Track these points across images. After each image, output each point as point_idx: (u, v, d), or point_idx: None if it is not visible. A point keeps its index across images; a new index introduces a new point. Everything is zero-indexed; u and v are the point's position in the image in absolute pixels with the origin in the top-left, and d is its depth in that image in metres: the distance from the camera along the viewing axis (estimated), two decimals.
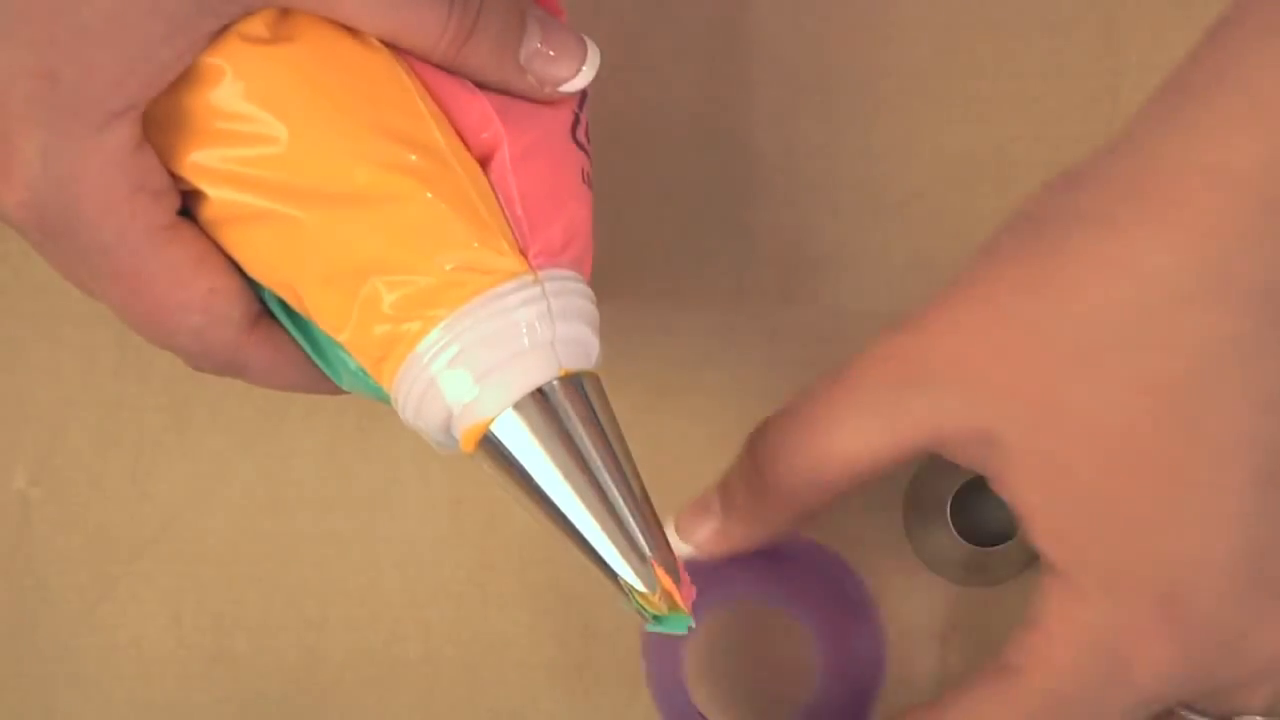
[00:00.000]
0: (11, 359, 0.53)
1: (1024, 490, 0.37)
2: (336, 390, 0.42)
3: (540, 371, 0.38)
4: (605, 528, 0.37)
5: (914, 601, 0.52)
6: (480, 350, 0.38)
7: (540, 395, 0.38)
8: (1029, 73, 0.52)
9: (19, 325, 0.53)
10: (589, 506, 0.38)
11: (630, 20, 0.52)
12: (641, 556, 0.37)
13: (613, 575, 0.38)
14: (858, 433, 0.38)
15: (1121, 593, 0.37)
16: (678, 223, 0.52)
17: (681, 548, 0.41)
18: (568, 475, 0.38)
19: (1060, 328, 0.36)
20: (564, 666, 0.52)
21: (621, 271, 0.52)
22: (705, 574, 0.46)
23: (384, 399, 0.40)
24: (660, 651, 0.50)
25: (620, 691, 0.50)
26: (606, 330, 0.52)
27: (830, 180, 0.52)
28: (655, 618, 0.38)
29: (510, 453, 0.38)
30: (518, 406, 0.38)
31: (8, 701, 0.52)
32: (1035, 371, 0.36)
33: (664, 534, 0.38)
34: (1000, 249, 0.38)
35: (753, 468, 0.41)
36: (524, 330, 0.38)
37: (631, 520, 0.38)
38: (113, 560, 0.52)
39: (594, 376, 0.39)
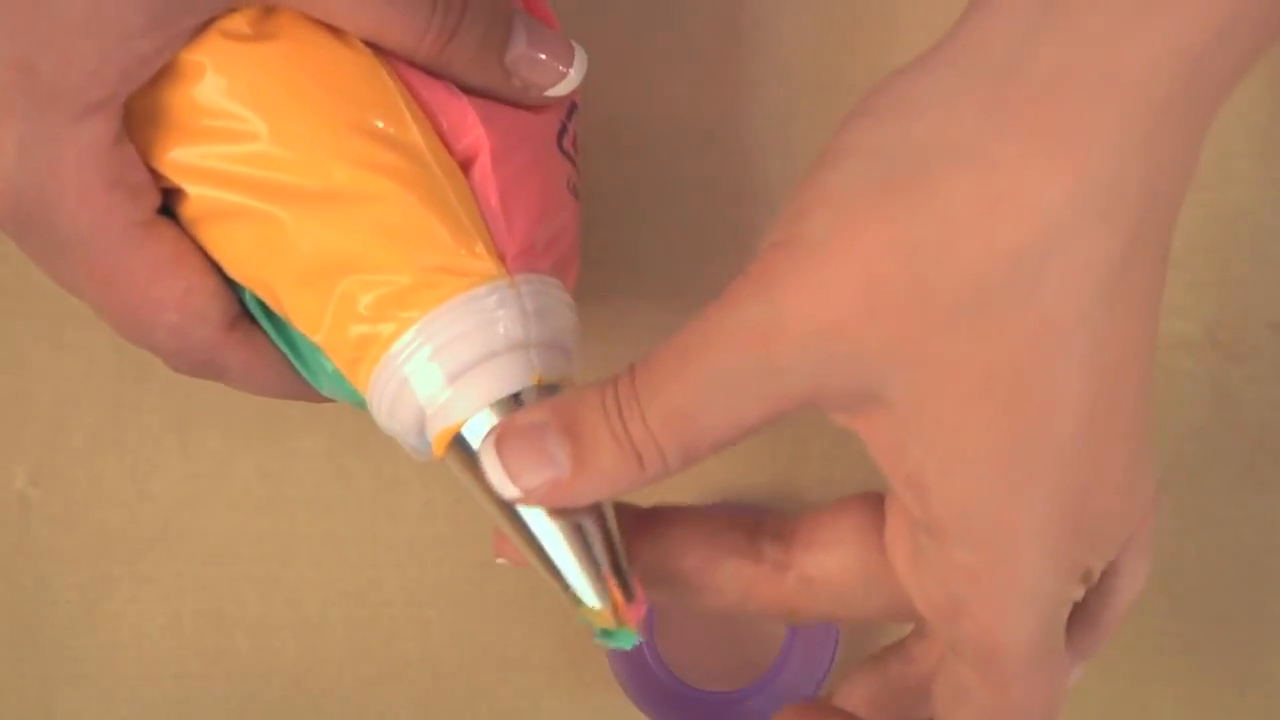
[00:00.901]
0: (11, 359, 0.53)
1: (915, 456, 0.34)
2: (316, 397, 0.42)
3: (514, 374, 0.38)
4: (563, 539, 0.37)
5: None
6: (453, 351, 0.38)
7: (515, 401, 0.38)
8: None
9: (19, 326, 0.53)
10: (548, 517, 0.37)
11: (630, 21, 0.52)
12: (596, 572, 0.37)
13: (565, 586, 0.38)
14: (729, 412, 0.35)
15: (1043, 543, 0.34)
16: (678, 223, 0.52)
17: (506, 489, 0.36)
18: None
19: (940, 278, 0.33)
20: (564, 666, 0.52)
21: (621, 271, 0.52)
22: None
23: (361, 404, 0.40)
24: None
25: (620, 691, 0.50)
26: (606, 330, 0.52)
27: None
28: (604, 632, 0.38)
29: (476, 456, 0.37)
30: (492, 409, 0.38)
31: (8, 701, 0.52)
32: (916, 327, 0.33)
33: (622, 550, 0.38)
34: (849, 197, 0.34)
35: (617, 433, 0.36)
36: (498, 332, 0.38)
37: (591, 534, 0.37)
38: (113, 560, 0.52)
39: (572, 384, 0.39)
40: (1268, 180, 0.53)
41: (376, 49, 0.38)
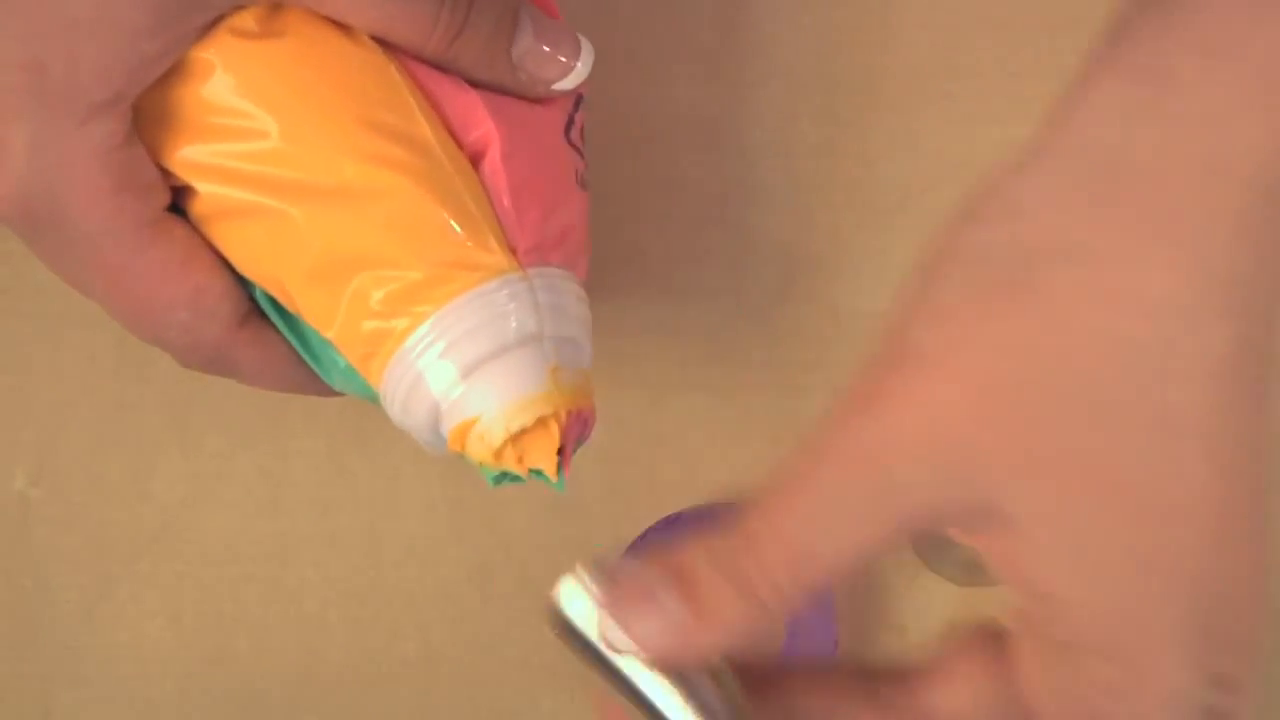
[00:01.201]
0: (12, 359, 0.53)
1: (1045, 568, 0.33)
2: (328, 391, 0.42)
3: (528, 367, 0.38)
4: (682, 697, 0.35)
5: (914, 603, 0.52)
6: (466, 346, 0.38)
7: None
8: (1029, 73, 0.52)
9: (20, 325, 0.53)
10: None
11: (630, 20, 0.52)
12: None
13: None
14: (848, 540, 0.33)
15: (1189, 650, 0.32)
16: (678, 223, 0.52)
17: (620, 643, 0.35)
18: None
19: (1053, 379, 0.32)
20: (563, 666, 0.52)
21: (621, 271, 0.52)
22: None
23: (374, 399, 0.40)
24: None
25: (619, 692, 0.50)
26: (606, 330, 0.52)
27: (830, 180, 0.52)
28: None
29: (573, 626, 0.36)
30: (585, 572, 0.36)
31: (8, 701, 0.52)
32: (1033, 433, 0.32)
33: (742, 701, 0.36)
34: (956, 305, 0.33)
35: (734, 578, 0.35)
36: (511, 326, 0.38)
37: (706, 688, 0.36)
38: (113, 560, 0.52)
39: (586, 376, 0.39)
40: None
41: (384, 45, 0.38)
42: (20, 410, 0.53)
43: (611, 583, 0.35)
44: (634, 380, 0.52)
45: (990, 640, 0.36)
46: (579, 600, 0.36)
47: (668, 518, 0.51)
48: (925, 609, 0.52)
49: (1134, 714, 0.33)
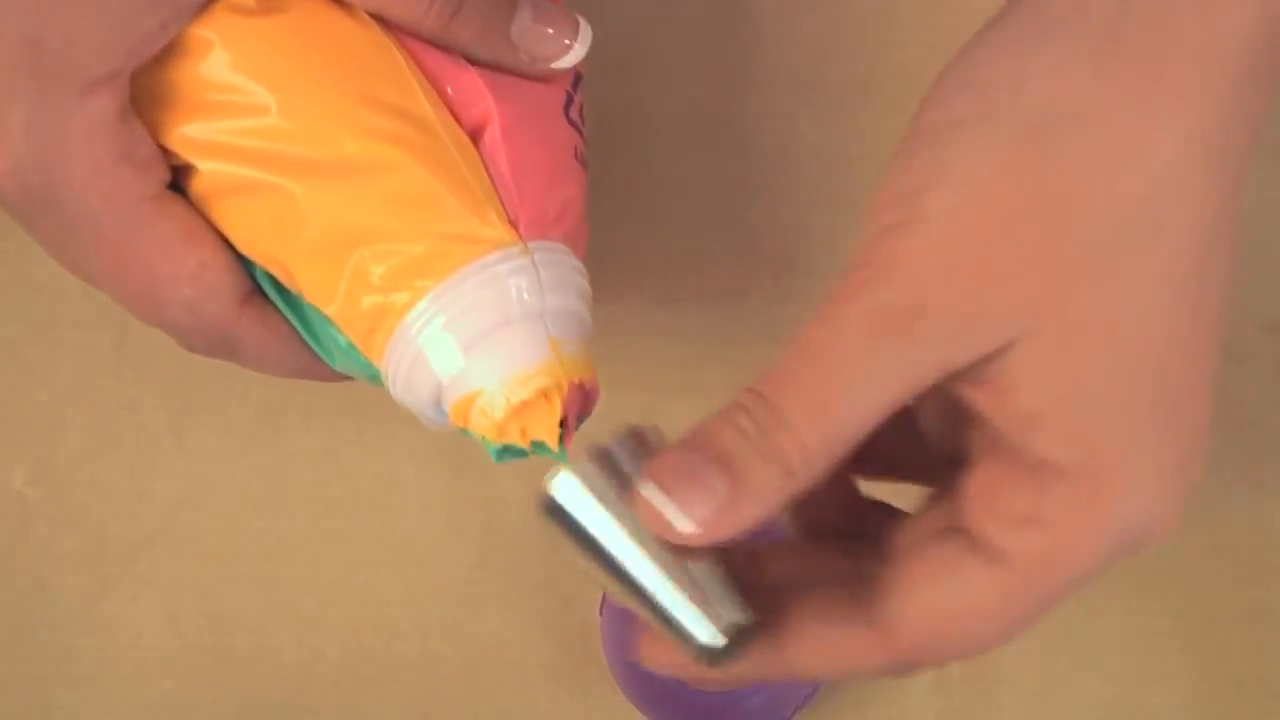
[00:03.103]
0: (10, 359, 0.53)
1: (1036, 397, 0.35)
2: (330, 375, 0.42)
3: (529, 342, 0.38)
4: (677, 580, 0.36)
5: None
6: (468, 319, 0.38)
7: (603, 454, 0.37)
8: None
9: (18, 325, 0.53)
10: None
11: (630, 20, 0.52)
12: (711, 606, 0.36)
13: (681, 629, 0.36)
14: (868, 398, 0.35)
15: (1147, 480, 0.36)
16: (678, 223, 0.52)
17: (683, 526, 0.36)
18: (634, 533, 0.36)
19: (1065, 236, 0.34)
20: (563, 666, 0.52)
21: (621, 271, 0.52)
22: None
23: (375, 378, 0.40)
24: (618, 608, 0.50)
25: (619, 691, 0.50)
26: (606, 331, 0.52)
27: (829, 180, 0.52)
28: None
29: (571, 515, 0.36)
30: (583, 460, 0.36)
31: (8, 701, 0.52)
32: (1045, 286, 0.35)
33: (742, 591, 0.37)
34: (969, 169, 0.35)
35: (763, 449, 0.36)
36: (512, 299, 0.38)
37: (702, 570, 0.36)
38: (112, 560, 0.52)
39: (587, 352, 0.39)
40: (1267, 181, 0.53)
41: (383, 22, 0.38)
42: (20, 410, 0.53)
43: (660, 467, 0.36)
44: (634, 381, 0.52)
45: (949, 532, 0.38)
46: (575, 488, 0.36)
47: None
48: None
49: (1061, 521, 0.35)
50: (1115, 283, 0.35)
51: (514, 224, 0.38)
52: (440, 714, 0.52)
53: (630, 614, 0.50)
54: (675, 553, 0.36)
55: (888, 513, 0.41)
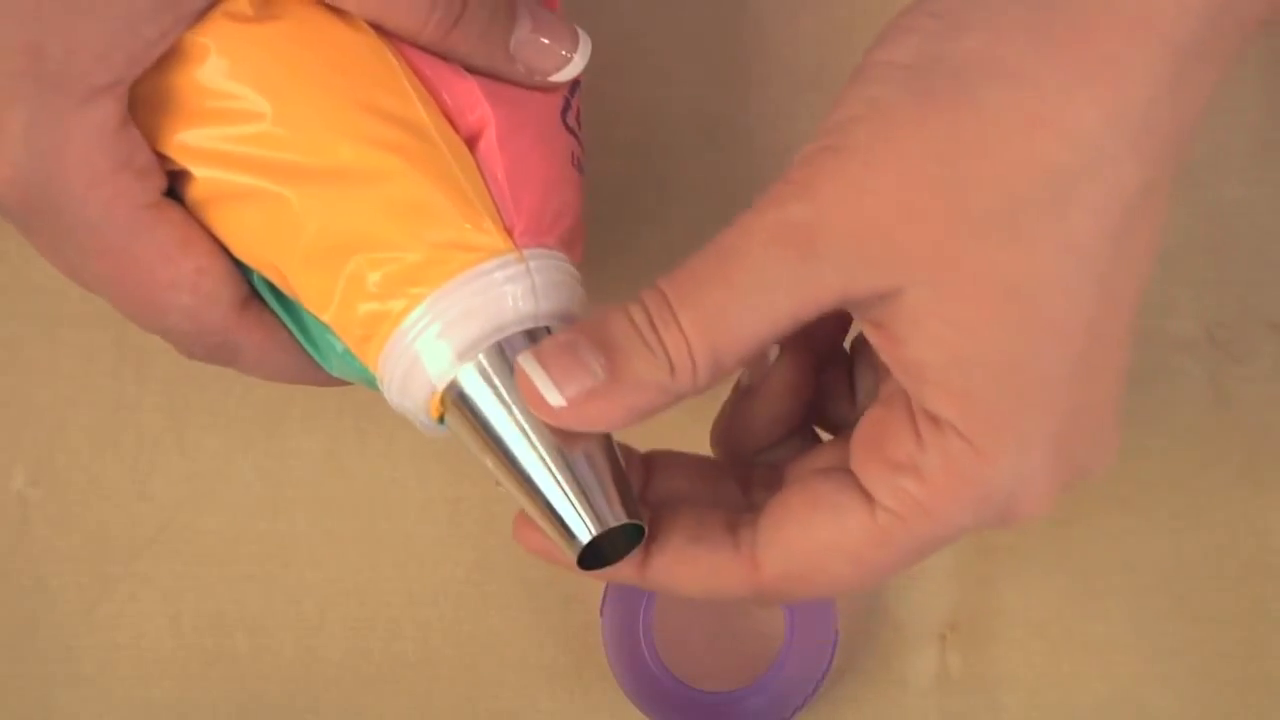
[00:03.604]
0: (11, 359, 0.53)
1: (925, 348, 0.36)
2: (327, 380, 0.42)
3: (524, 348, 0.38)
4: (567, 467, 0.37)
5: (913, 601, 0.52)
6: (463, 327, 0.38)
7: (498, 350, 0.38)
8: None
9: (18, 325, 0.53)
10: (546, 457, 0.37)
11: (630, 20, 0.52)
12: (601, 520, 0.37)
13: (562, 524, 0.37)
14: (761, 309, 0.36)
15: (1025, 448, 0.36)
16: (678, 223, 0.52)
17: (550, 395, 0.36)
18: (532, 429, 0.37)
19: (976, 188, 0.35)
20: (563, 666, 0.52)
21: (621, 272, 0.52)
22: None
23: (372, 383, 0.40)
24: (618, 608, 0.50)
25: (619, 691, 0.50)
26: None
27: None
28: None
29: (475, 404, 0.38)
30: (485, 354, 0.38)
31: (8, 701, 0.52)
32: (948, 233, 0.35)
33: (631, 495, 0.38)
34: (893, 107, 0.36)
35: (649, 340, 0.37)
36: (507, 307, 0.38)
37: (599, 464, 0.37)
38: (112, 560, 0.52)
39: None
40: (1266, 180, 0.53)
41: (380, 30, 0.39)
42: (20, 410, 0.53)
43: (544, 345, 0.36)
44: None
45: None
46: (478, 382, 0.37)
47: None
48: (925, 607, 0.52)
49: (937, 472, 0.36)
50: (1019, 244, 0.35)
51: (510, 231, 0.38)
52: (440, 714, 0.52)
53: (631, 614, 0.50)
54: (567, 450, 0.37)
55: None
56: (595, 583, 0.51)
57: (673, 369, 0.36)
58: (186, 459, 0.52)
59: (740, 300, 0.36)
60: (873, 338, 0.37)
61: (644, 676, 0.50)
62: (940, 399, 0.36)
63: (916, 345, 0.36)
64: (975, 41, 0.35)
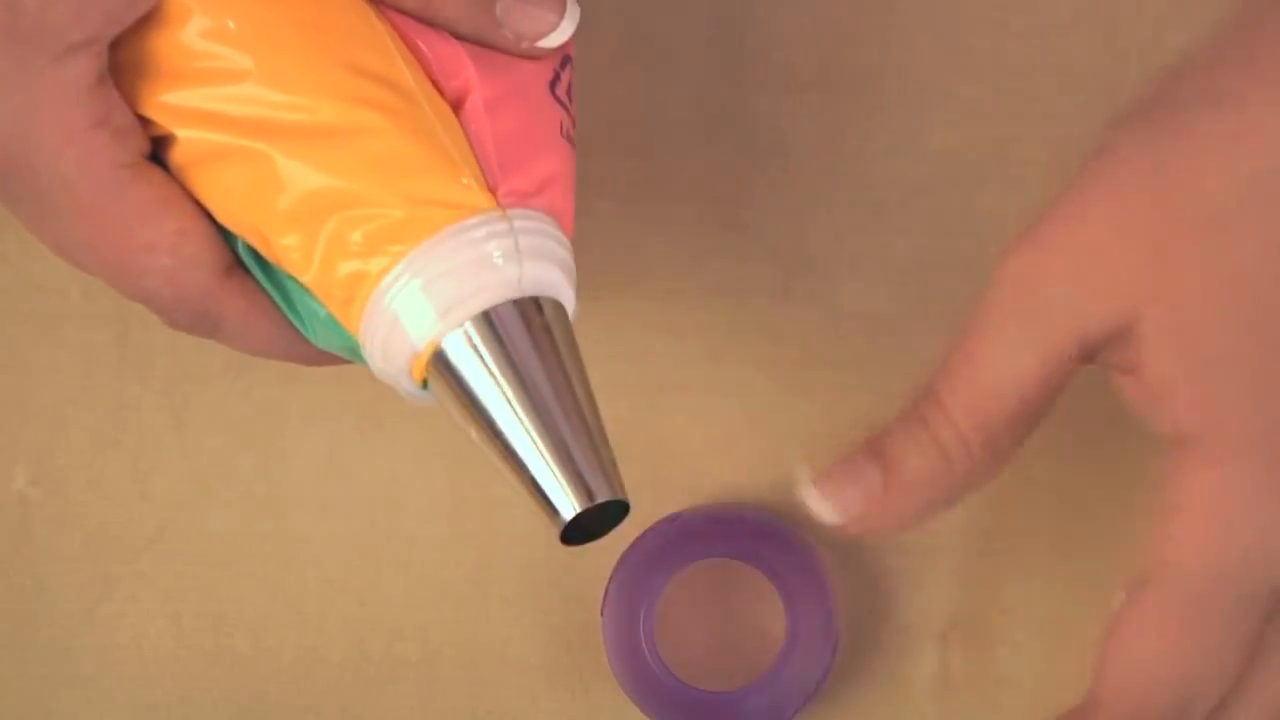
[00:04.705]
0: (11, 359, 0.53)
1: (1162, 364, 0.37)
2: (313, 355, 0.41)
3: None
4: (541, 440, 0.37)
5: (914, 602, 0.52)
6: (444, 284, 0.37)
7: (486, 319, 0.37)
8: (1029, 73, 0.52)
9: (19, 325, 0.53)
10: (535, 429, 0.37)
11: (630, 18, 0.52)
12: (587, 495, 0.37)
13: (542, 493, 0.37)
14: (1009, 372, 0.38)
15: (1273, 448, 0.37)
16: (678, 223, 0.52)
17: (827, 515, 0.39)
18: (518, 397, 0.37)
19: (1188, 203, 0.37)
20: (564, 666, 0.52)
21: (620, 271, 0.52)
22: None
23: (356, 353, 0.39)
24: (619, 608, 0.50)
25: (620, 691, 0.50)
26: (605, 331, 0.52)
27: (830, 180, 0.52)
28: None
29: (461, 375, 0.37)
30: (472, 322, 0.37)
31: (8, 701, 0.52)
32: (1166, 248, 0.37)
33: (616, 471, 0.37)
34: (1114, 147, 0.38)
35: (919, 438, 0.39)
36: (490, 264, 0.37)
37: (581, 452, 0.37)
38: (112, 560, 0.52)
39: (556, 305, 0.39)
40: None
41: None
42: (20, 410, 0.53)
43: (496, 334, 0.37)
44: (633, 381, 0.52)
45: None
46: (467, 351, 0.37)
47: (668, 517, 0.51)
48: (926, 608, 0.52)
49: (1191, 497, 0.37)
50: (1230, 251, 0.37)
51: (493, 190, 0.38)
52: (441, 714, 0.52)
53: (632, 614, 0.50)
54: (557, 423, 0.37)
55: None
56: (596, 583, 0.51)
57: (948, 457, 0.38)
58: (187, 459, 0.52)
59: (991, 370, 0.38)
60: (1120, 386, 0.38)
61: (645, 676, 0.50)
62: (1182, 412, 0.37)
63: (1156, 363, 0.37)
64: (1189, 80, 0.38)
